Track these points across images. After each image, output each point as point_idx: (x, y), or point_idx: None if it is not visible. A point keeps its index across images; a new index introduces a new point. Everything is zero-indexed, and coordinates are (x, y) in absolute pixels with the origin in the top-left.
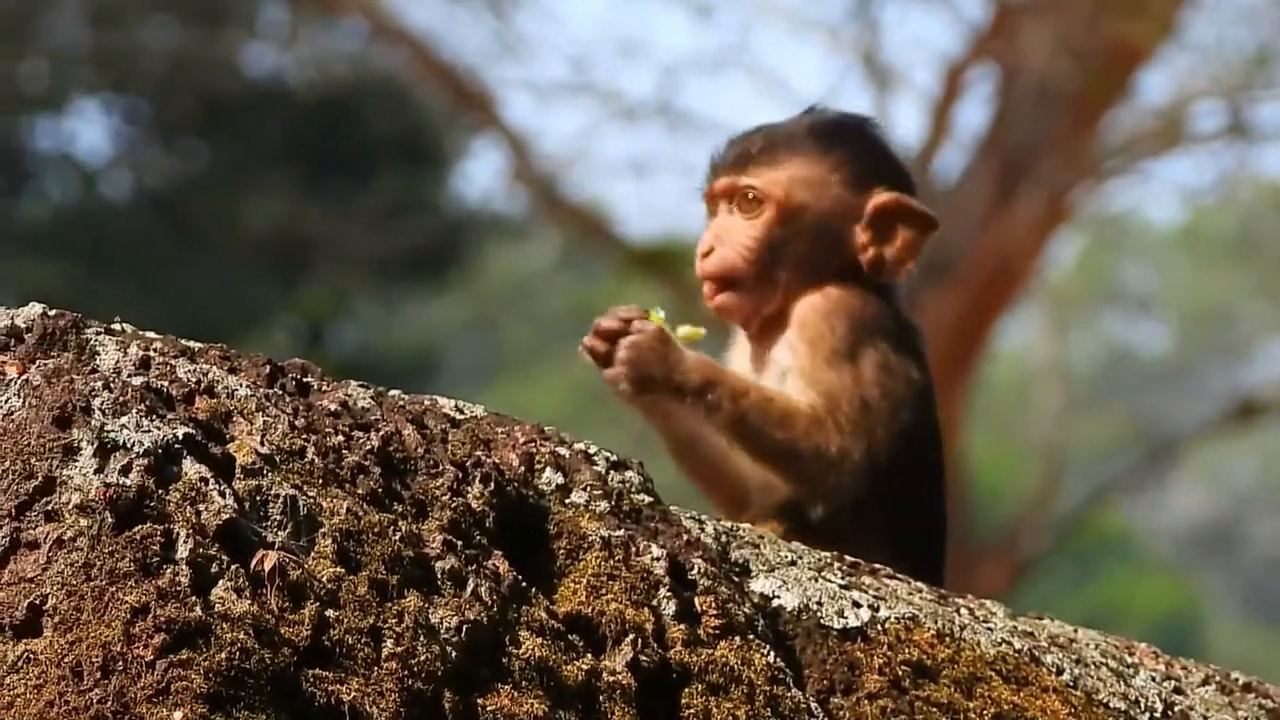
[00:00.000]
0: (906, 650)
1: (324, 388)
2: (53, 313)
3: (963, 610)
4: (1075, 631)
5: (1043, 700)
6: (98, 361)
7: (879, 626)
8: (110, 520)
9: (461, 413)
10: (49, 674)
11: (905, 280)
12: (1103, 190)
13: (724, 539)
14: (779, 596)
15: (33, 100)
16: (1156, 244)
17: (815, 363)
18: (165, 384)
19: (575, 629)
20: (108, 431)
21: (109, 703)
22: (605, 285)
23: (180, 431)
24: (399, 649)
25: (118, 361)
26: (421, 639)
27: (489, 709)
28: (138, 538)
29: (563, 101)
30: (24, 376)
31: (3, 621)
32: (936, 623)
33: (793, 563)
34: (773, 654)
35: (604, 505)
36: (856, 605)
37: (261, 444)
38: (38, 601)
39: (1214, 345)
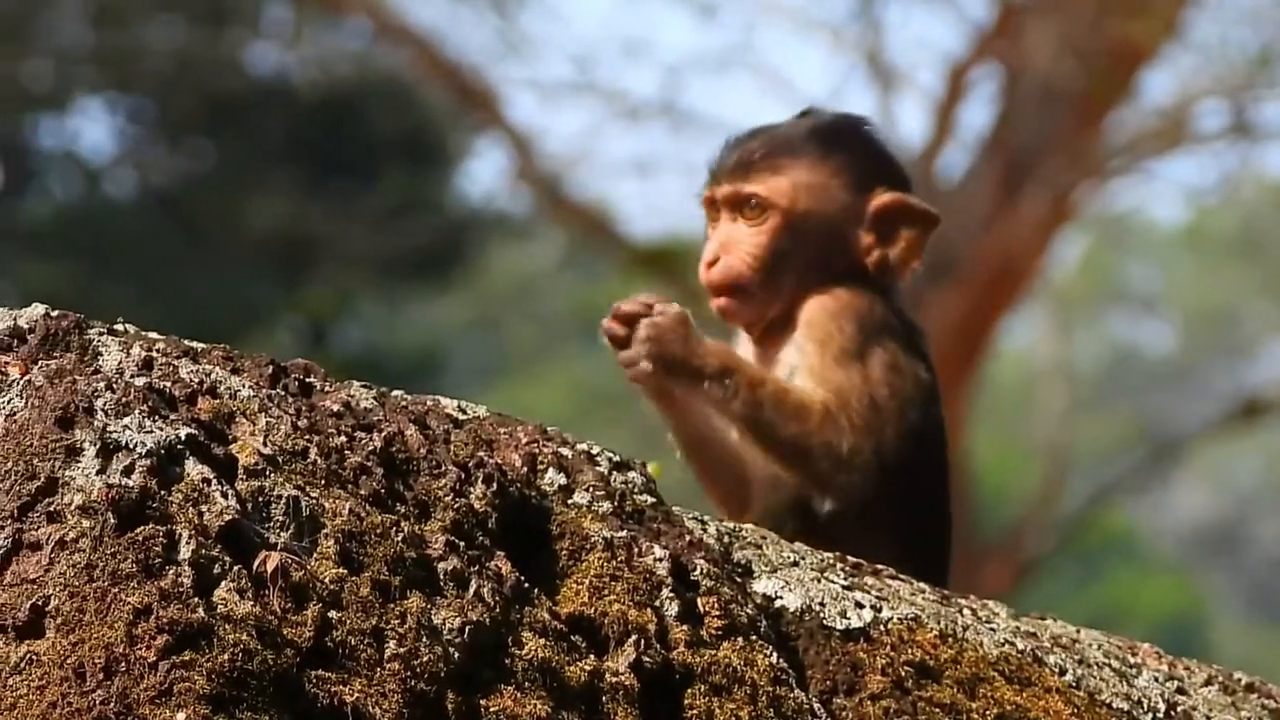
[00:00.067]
0: (909, 651)
1: (327, 388)
2: (55, 313)
3: (965, 611)
4: (1078, 632)
5: (1045, 701)
6: (100, 362)
7: (882, 627)
8: (113, 521)
9: (464, 413)
10: (51, 675)
11: (910, 280)
12: (1106, 190)
13: (726, 540)
14: (782, 597)
15: (37, 99)
16: (1160, 244)
17: (824, 362)
18: (168, 385)
19: (578, 630)
20: (110, 432)
21: (111, 704)
22: (609, 285)
23: (183, 432)
24: (402, 650)
25: (120, 362)
26: (424, 640)
27: (492, 710)
28: (140, 539)
29: (567, 101)
30: (26, 377)
31: (5, 623)
32: (939, 623)
33: (795, 563)
34: (775, 655)
35: (606, 506)
36: (859, 606)
37: (264, 445)
38: (40, 603)
39: (1218, 345)
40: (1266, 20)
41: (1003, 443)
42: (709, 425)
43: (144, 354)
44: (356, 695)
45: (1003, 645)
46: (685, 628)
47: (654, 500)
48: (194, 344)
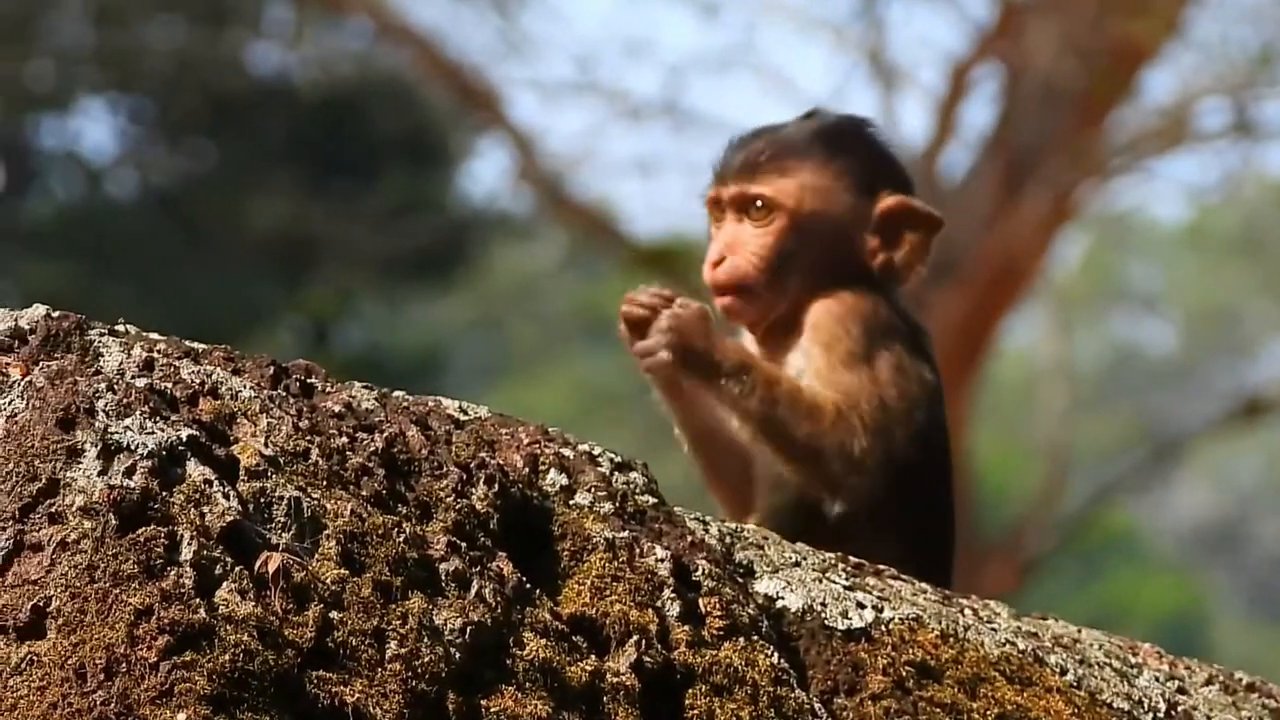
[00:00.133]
0: (910, 651)
1: (328, 389)
2: (56, 314)
3: (966, 611)
4: (1079, 632)
5: (1046, 701)
6: (101, 363)
7: (883, 627)
8: (114, 522)
9: (466, 414)
10: (52, 676)
11: (915, 282)
12: (1108, 189)
13: (728, 540)
14: (783, 597)
15: (38, 99)
16: (1162, 243)
17: (832, 364)
18: (169, 385)
19: (579, 630)
20: (111, 433)
21: (112, 705)
22: (611, 284)
23: (184, 433)
24: (403, 650)
25: (121, 363)
26: (425, 640)
27: (493, 710)
28: (141, 540)
29: (568, 100)
30: (28, 378)
31: (6, 623)
32: (940, 623)
33: (797, 564)
34: (777, 655)
35: (608, 507)
36: (860, 606)
37: (265, 446)
38: (41, 603)
39: (1219, 344)
40: (1267, 19)
41: (1004, 442)
42: (716, 420)
43: (145, 355)
44: (357, 696)
45: (1004, 645)
46: (686, 628)
47: (656, 501)
48: (195, 345)
